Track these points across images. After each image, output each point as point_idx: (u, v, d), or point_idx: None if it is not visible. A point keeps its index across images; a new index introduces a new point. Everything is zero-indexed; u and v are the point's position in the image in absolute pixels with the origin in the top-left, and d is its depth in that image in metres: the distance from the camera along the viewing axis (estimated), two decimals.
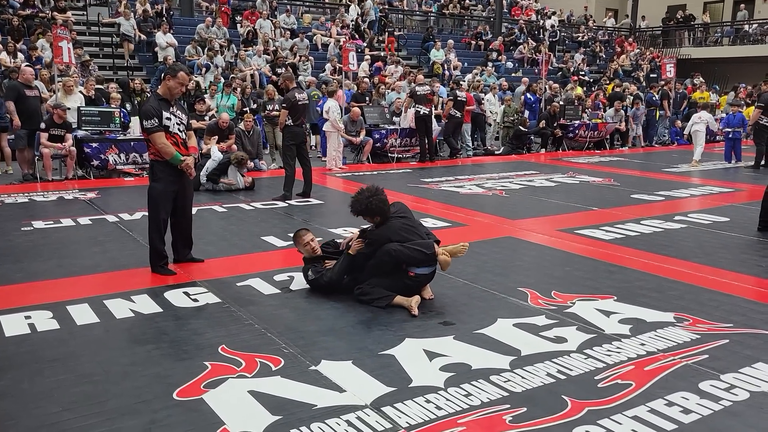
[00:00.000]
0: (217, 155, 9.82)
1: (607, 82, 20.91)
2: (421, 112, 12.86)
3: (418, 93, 12.95)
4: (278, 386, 3.43)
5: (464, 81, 16.98)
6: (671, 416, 3.14)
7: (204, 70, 15.32)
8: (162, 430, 3.00)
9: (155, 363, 3.73)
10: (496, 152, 15.36)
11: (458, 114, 13.81)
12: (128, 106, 11.92)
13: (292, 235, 5.33)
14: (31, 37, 14.98)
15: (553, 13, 25.87)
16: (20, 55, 13.61)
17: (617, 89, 18.26)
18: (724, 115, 16.17)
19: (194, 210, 6.06)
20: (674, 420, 3.11)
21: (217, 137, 10.75)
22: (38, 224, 7.23)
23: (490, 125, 16.02)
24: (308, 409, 3.19)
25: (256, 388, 3.39)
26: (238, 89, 13.65)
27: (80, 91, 11.72)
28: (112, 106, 11.35)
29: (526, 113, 16.29)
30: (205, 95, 13.18)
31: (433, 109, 13.43)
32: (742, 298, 4.97)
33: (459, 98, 13.86)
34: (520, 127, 15.13)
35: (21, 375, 3.56)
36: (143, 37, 16.48)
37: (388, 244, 4.64)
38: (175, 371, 3.59)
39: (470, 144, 15.12)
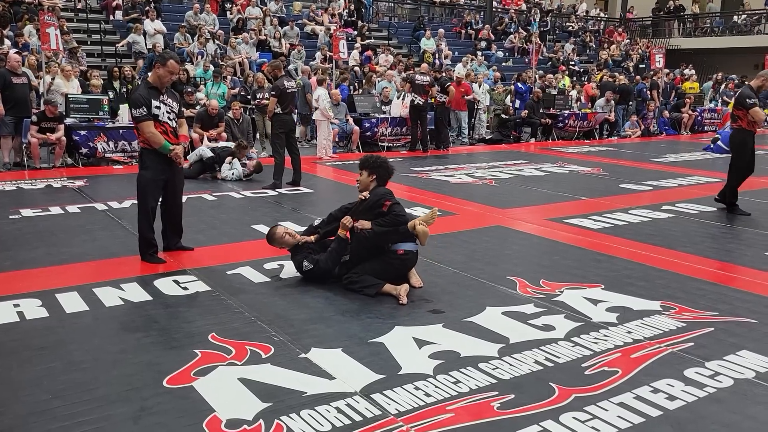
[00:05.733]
0: (207, 153, 9.72)
1: (596, 71, 20.94)
2: (415, 102, 12.82)
3: (417, 82, 12.84)
4: (268, 374, 3.44)
5: (454, 70, 16.94)
6: (657, 403, 3.19)
7: (199, 57, 15.17)
8: (152, 417, 3.01)
9: (145, 351, 3.73)
10: (487, 138, 15.40)
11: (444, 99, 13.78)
12: (110, 94, 11.81)
13: (267, 237, 5.20)
14: (18, 23, 14.81)
15: (538, 4, 25.84)
16: (7, 42, 13.44)
17: (607, 79, 18.30)
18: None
19: (184, 198, 6.04)
20: (659, 406, 3.16)
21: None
22: (26, 212, 7.19)
23: (483, 112, 16.07)
24: (298, 397, 3.21)
25: (246, 376, 3.41)
26: (228, 78, 13.56)
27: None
28: (95, 93, 11.28)
29: (517, 102, 16.32)
30: (200, 85, 13.08)
31: (428, 99, 13.33)
32: (727, 287, 5.04)
33: (448, 85, 13.83)
34: (502, 115, 15.23)
35: (10, 363, 3.55)
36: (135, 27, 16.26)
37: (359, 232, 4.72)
38: (165, 359, 3.60)
39: (466, 132, 15.17)
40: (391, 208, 4.77)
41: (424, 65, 13.84)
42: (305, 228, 5.43)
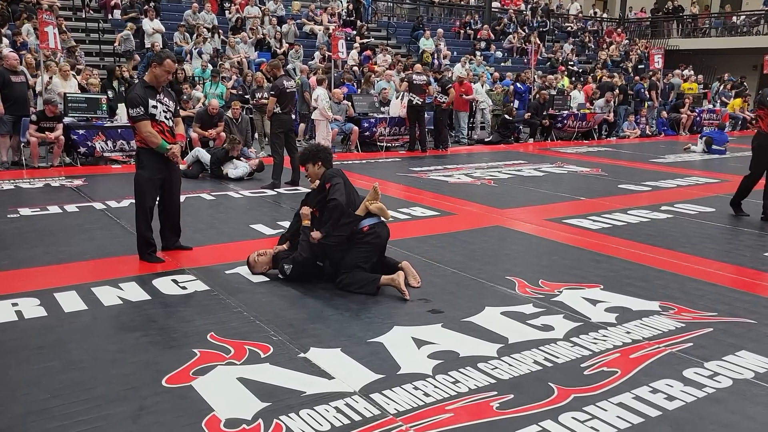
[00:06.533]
0: (204, 156, 9.72)
1: (600, 70, 20.94)
2: (414, 102, 12.81)
3: (414, 82, 12.84)
4: (267, 373, 3.44)
5: (453, 70, 16.95)
6: (655, 403, 3.19)
7: (189, 55, 15.13)
8: (151, 416, 3.00)
9: (144, 350, 3.72)
10: (486, 140, 15.37)
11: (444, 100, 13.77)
12: (110, 93, 11.79)
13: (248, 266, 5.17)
14: (17, 22, 14.78)
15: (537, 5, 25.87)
16: (5, 41, 13.41)
17: (606, 79, 18.30)
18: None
19: (182, 198, 6.03)
20: (658, 407, 3.16)
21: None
22: (25, 211, 7.17)
23: (489, 112, 16.13)
24: (297, 396, 3.20)
25: (245, 375, 3.40)
26: (232, 79, 13.52)
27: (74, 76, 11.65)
28: (93, 92, 11.27)
29: (516, 103, 16.31)
30: (197, 84, 13.06)
31: (426, 98, 13.31)
32: (726, 288, 5.04)
33: (449, 87, 13.83)
34: (506, 116, 15.19)
35: (8, 362, 3.54)
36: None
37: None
38: (164, 358, 3.60)
39: (465, 132, 15.15)
40: (329, 191, 4.80)
41: (417, 66, 13.86)
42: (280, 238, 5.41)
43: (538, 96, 15.70)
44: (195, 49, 15.27)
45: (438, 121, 13.67)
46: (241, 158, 10.02)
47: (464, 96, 14.74)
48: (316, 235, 4.78)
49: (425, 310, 4.41)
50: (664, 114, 18.01)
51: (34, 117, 9.95)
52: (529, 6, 25.83)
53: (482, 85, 16.09)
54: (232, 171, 9.54)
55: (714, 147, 13.98)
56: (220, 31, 16.75)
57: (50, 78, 11.30)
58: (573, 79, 19.79)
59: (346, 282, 4.74)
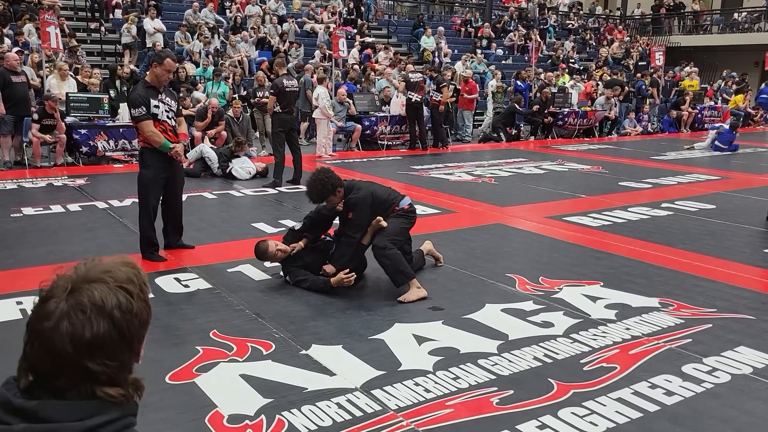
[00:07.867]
0: (212, 154, 9.73)
1: (595, 69, 20.93)
2: (413, 99, 12.84)
3: (411, 80, 12.91)
4: (269, 370, 3.47)
5: (455, 68, 16.97)
6: (654, 398, 3.22)
7: (197, 56, 15.17)
8: (155, 413, 3.03)
9: (147, 347, 3.67)
10: (485, 140, 15.37)
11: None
12: (112, 93, 11.81)
13: (255, 253, 4.99)
14: (18, 22, 14.81)
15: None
16: (7, 41, 13.44)
17: (608, 77, 18.28)
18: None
19: (185, 197, 6.06)
20: (657, 402, 3.18)
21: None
22: (28, 211, 7.21)
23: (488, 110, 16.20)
24: (299, 392, 3.23)
25: (247, 372, 3.44)
26: (230, 79, 13.55)
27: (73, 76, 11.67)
28: (93, 91, 11.30)
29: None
30: (197, 84, 13.09)
31: (425, 95, 13.34)
32: (725, 284, 5.06)
33: (443, 86, 13.86)
34: (516, 105, 15.11)
35: (13, 360, 3.55)
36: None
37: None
38: (167, 355, 3.63)
39: (470, 130, 15.17)
40: (348, 222, 4.76)
41: (409, 66, 13.89)
42: (285, 233, 5.26)
43: (540, 94, 15.70)
44: (203, 50, 15.29)
45: (434, 119, 13.68)
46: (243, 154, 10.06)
47: (467, 96, 14.75)
48: (329, 269, 4.75)
49: (426, 307, 4.44)
50: (674, 113, 17.90)
51: (35, 116, 9.98)
52: (535, 1, 25.78)
53: (497, 81, 16.14)
54: (239, 172, 9.52)
55: (716, 144, 13.92)
56: (221, 30, 16.77)
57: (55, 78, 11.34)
58: (573, 76, 19.77)
59: (385, 254, 4.58)
